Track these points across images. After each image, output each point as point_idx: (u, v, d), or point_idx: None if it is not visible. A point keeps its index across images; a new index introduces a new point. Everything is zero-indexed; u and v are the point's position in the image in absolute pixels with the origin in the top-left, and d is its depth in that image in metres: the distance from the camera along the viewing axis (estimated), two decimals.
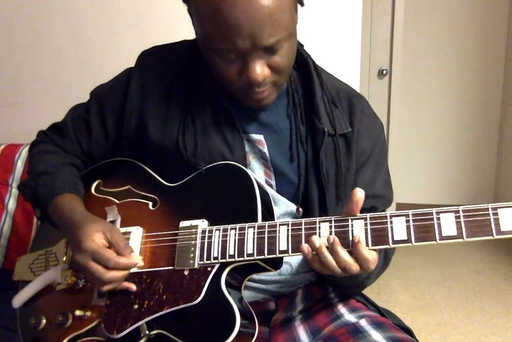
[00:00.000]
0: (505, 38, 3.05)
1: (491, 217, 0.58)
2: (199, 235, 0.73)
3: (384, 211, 0.87)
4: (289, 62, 0.73)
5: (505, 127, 3.11)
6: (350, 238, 0.64)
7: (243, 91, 0.74)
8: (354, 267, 0.64)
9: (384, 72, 2.92)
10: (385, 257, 0.85)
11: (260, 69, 0.68)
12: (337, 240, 0.64)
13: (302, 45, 0.86)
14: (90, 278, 0.72)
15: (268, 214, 0.74)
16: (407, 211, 0.63)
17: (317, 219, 0.67)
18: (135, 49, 0.88)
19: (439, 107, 3.27)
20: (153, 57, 0.86)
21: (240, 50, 0.66)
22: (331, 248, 0.64)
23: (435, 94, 3.24)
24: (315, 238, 0.65)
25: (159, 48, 0.88)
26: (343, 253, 0.64)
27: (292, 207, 0.84)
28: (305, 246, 0.65)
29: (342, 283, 0.82)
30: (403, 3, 2.80)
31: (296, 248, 0.67)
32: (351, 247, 0.64)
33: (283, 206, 0.83)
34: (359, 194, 0.64)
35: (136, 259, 0.74)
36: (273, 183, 0.84)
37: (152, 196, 0.82)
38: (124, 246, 0.72)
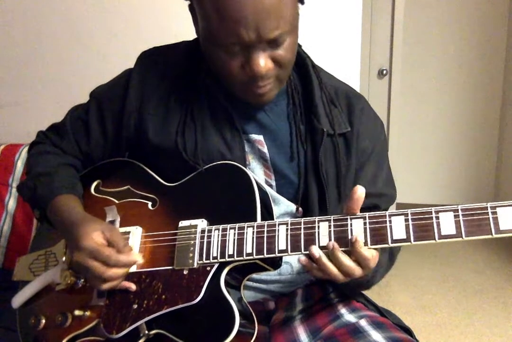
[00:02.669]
0: (505, 38, 3.04)
1: (490, 215, 0.58)
2: (198, 235, 0.73)
3: (387, 209, 0.87)
4: (291, 57, 0.73)
5: (505, 127, 3.11)
6: (349, 237, 0.64)
7: (245, 86, 0.73)
8: (357, 271, 0.64)
9: (384, 72, 2.92)
10: (391, 254, 0.84)
11: (263, 62, 0.68)
12: (336, 245, 0.64)
13: (300, 46, 0.86)
14: (90, 277, 0.72)
15: (267, 213, 0.74)
16: (406, 210, 0.63)
17: (316, 218, 0.67)
18: (135, 49, 0.88)
19: (439, 107, 3.26)
20: (153, 58, 0.86)
21: (245, 43, 0.66)
22: (331, 254, 0.64)
23: (435, 94, 3.24)
24: (314, 249, 0.64)
25: (159, 48, 0.88)
26: (344, 258, 0.63)
27: (292, 206, 0.84)
28: (303, 259, 0.65)
29: (348, 285, 0.82)
30: (403, 3, 2.80)
31: (296, 248, 0.67)
32: (350, 246, 0.64)
33: (283, 206, 0.83)
34: (360, 192, 0.64)
35: (136, 256, 0.74)
36: (273, 183, 0.84)
37: (151, 195, 0.82)
38: (124, 245, 0.73)
